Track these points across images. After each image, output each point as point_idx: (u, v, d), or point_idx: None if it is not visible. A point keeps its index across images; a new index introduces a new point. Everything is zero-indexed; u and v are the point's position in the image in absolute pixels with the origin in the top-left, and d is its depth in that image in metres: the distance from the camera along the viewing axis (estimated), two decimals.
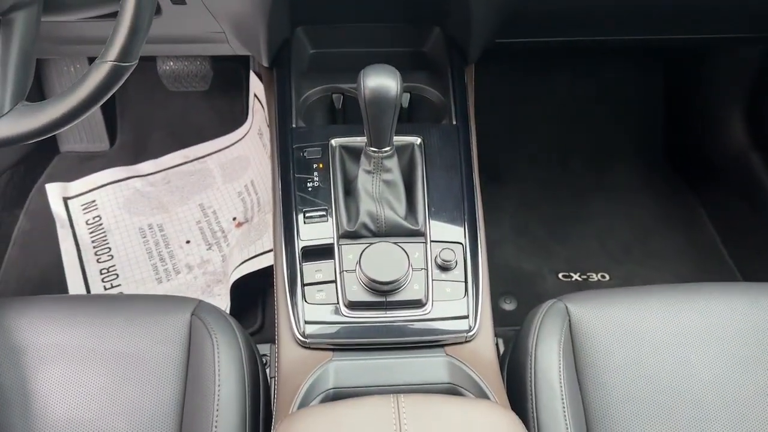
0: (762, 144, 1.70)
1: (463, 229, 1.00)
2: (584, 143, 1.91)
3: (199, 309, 0.98)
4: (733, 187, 1.75)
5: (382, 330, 0.92)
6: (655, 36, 1.39)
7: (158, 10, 1.07)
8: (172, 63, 1.80)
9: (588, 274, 1.66)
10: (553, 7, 1.20)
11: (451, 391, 0.88)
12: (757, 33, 1.38)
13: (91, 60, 0.78)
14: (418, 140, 1.06)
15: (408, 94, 1.17)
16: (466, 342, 0.94)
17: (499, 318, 1.04)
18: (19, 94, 0.80)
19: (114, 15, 0.77)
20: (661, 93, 1.96)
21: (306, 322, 0.92)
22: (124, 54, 0.76)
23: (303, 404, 0.85)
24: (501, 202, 1.79)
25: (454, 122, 1.12)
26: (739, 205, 1.72)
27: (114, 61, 0.76)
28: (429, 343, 0.93)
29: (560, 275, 1.66)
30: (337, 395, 0.87)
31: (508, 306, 1.59)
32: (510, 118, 1.91)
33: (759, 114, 1.71)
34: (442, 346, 0.93)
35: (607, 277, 1.66)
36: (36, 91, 1.82)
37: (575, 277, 1.66)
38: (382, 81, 0.87)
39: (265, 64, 1.21)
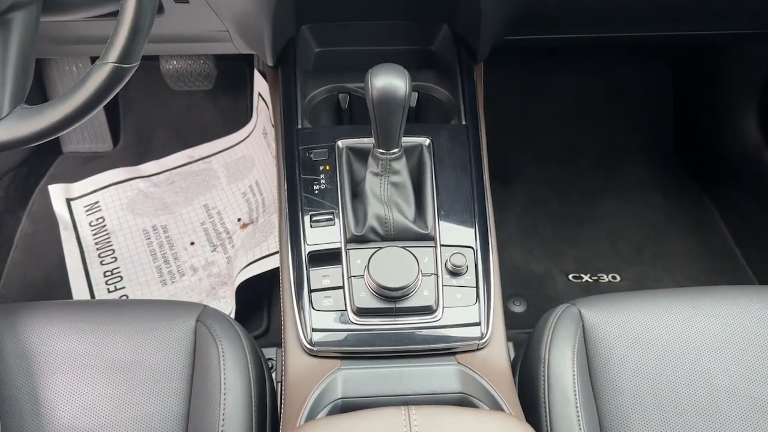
0: None
1: (473, 232, 0.98)
2: (593, 142, 1.89)
3: (204, 315, 0.96)
4: (746, 187, 1.73)
5: (391, 337, 0.90)
6: (662, 32, 1.37)
7: (160, 9, 1.05)
8: (175, 62, 1.78)
9: (598, 275, 1.64)
10: (562, 2, 1.18)
11: (463, 401, 0.86)
12: (759, 29, 1.36)
13: (94, 59, 0.76)
14: (426, 141, 1.04)
15: (416, 94, 1.15)
16: (478, 350, 0.92)
17: (508, 320, 1.01)
18: (18, 96, 0.78)
19: (115, 14, 0.75)
20: (671, 91, 1.93)
21: (313, 330, 0.90)
22: (125, 55, 0.74)
23: (311, 416, 0.84)
24: (508, 202, 1.76)
25: (464, 122, 1.09)
26: (751, 204, 1.70)
27: (115, 63, 0.74)
28: (439, 350, 0.90)
29: (570, 276, 1.63)
30: (346, 405, 0.86)
31: (517, 308, 1.56)
32: (517, 116, 1.89)
33: None
34: (453, 353, 0.91)
35: (618, 278, 1.63)
36: (37, 91, 1.81)
37: (585, 278, 1.63)
38: (390, 81, 0.85)
39: (270, 64, 1.20)
